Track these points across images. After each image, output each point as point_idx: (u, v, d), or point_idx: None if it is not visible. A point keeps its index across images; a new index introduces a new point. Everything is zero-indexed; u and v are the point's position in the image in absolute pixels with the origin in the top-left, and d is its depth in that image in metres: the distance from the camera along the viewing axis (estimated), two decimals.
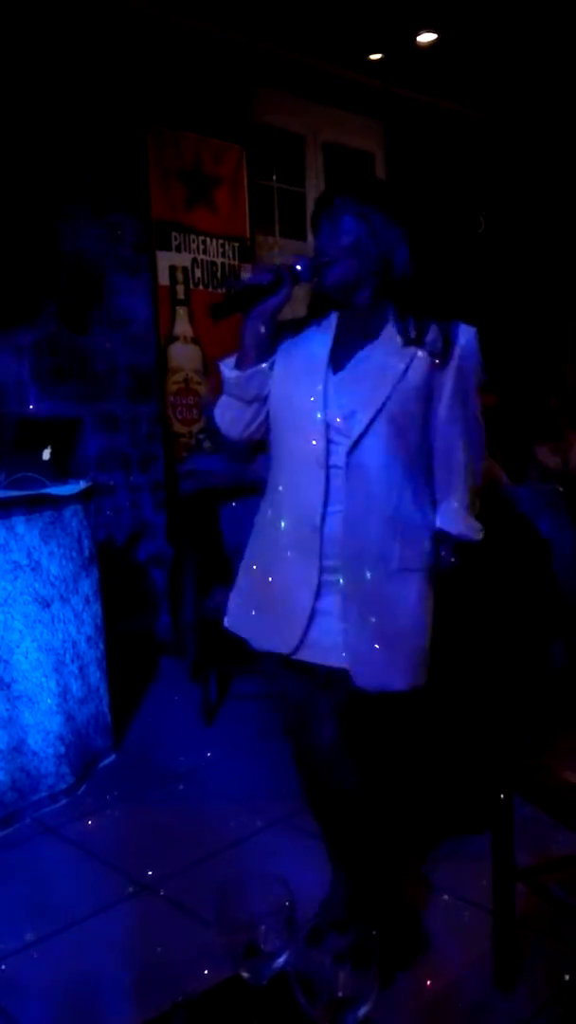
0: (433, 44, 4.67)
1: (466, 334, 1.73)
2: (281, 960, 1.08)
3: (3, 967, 1.92)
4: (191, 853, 2.35)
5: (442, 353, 1.67)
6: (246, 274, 1.48)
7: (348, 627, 1.66)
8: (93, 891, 2.21)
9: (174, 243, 4.34)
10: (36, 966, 1.93)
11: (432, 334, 1.68)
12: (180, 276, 4.37)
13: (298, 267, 1.66)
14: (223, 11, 4.21)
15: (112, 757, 3.00)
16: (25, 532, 2.61)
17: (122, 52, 4.05)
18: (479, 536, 1.75)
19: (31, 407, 3.81)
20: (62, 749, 2.71)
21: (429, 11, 4.37)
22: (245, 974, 1.09)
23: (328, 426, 1.65)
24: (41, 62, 3.77)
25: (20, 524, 2.60)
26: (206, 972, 1.64)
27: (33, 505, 2.65)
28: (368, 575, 1.65)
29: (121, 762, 2.99)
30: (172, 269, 4.35)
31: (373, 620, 1.66)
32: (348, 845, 1.85)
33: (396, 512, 1.66)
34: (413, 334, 1.67)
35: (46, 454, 2.94)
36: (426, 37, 4.62)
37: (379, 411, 1.63)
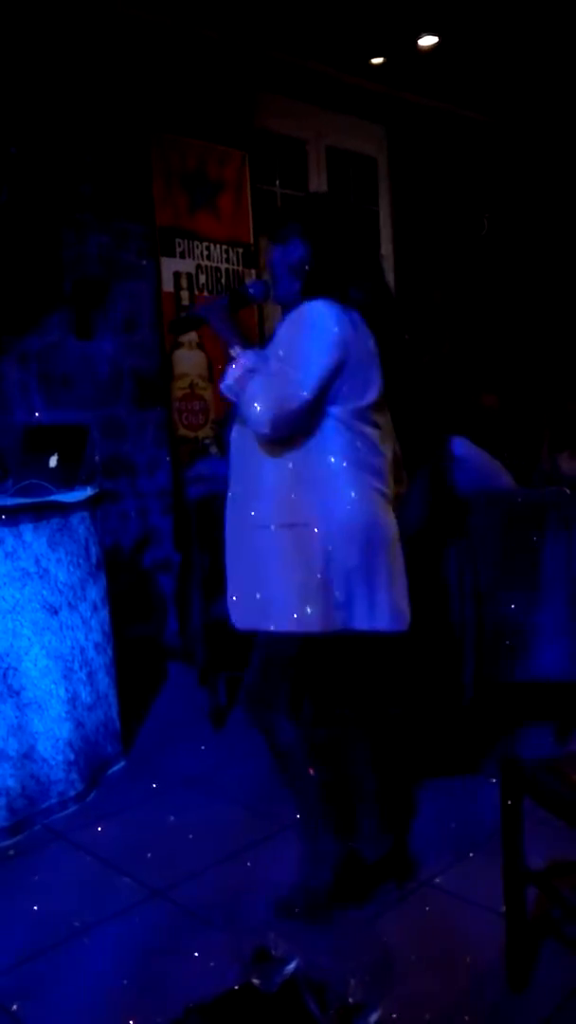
0: (434, 47, 4.68)
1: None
2: (291, 966, 1.08)
3: (15, 973, 1.93)
4: (201, 859, 2.35)
5: None
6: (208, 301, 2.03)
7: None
8: (104, 897, 2.21)
9: (178, 249, 4.35)
10: (47, 972, 1.93)
11: None
12: (184, 282, 4.38)
13: (251, 291, 2.04)
14: (225, 17, 4.23)
15: (121, 763, 3.00)
16: (33, 539, 2.62)
17: (125, 60, 4.07)
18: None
19: (37, 414, 3.82)
20: (71, 756, 2.71)
21: (430, 14, 4.38)
22: (256, 980, 1.10)
23: None
24: (44, 70, 3.79)
25: (28, 531, 2.60)
26: (217, 978, 1.64)
27: (41, 512, 2.66)
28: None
29: (130, 768, 3.00)
30: (176, 275, 4.36)
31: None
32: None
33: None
34: None
35: (53, 461, 2.95)
36: (427, 40, 4.63)
37: None
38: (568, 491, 2.92)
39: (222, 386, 1.92)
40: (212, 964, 1.79)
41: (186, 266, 4.37)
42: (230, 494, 2.00)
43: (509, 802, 1.76)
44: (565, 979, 1.81)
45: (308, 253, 1.93)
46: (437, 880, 2.20)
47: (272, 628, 1.92)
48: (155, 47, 4.17)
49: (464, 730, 2.86)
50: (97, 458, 4.07)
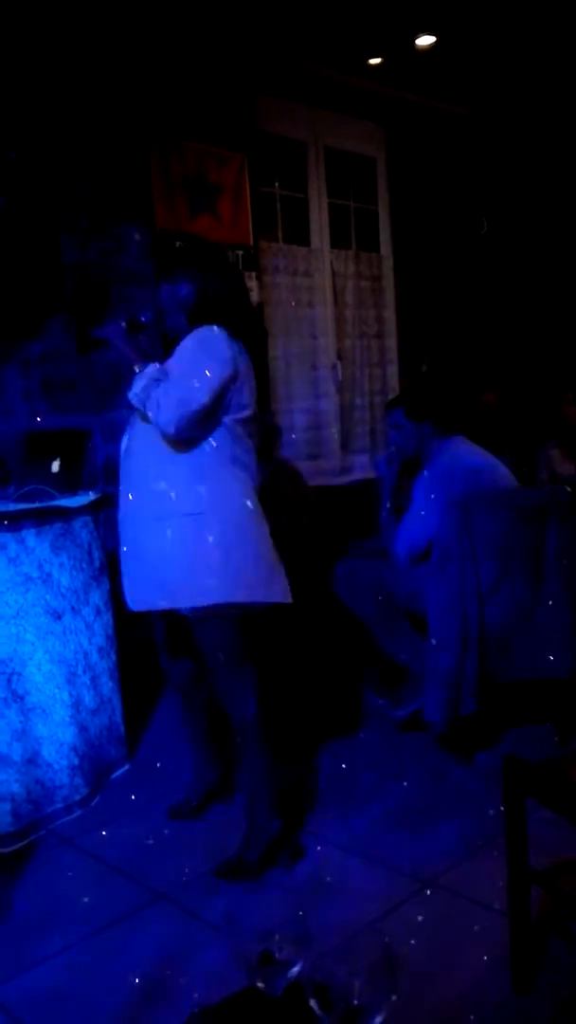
0: (432, 47, 4.68)
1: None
2: (296, 969, 1.09)
3: (21, 979, 1.93)
4: (206, 863, 2.35)
5: None
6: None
7: None
8: (108, 901, 2.22)
9: None
10: (52, 977, 1.93)
11: None
12: None
13: (143, 320, 2.38)
14: (222, 20, 4.24)
15: (125, 767, 3.01)
16: (36, 544, 2.63)
17: (123, 63, 4.08)
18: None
19: (39, 419, 3.83)
20: (76, 760, 2.72)
21: (427, 14, 4.38)
22: (260, 984, 1.10)
23: None
24: (42, 74, 3.80)
25: (31, 536, 2.61)
26: (222, 982, 1.64)
27: (43, 517, 2.67)
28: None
29: (134, 772, 3.00)
30: None
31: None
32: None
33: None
34: None
35: (55, 466, 2.96)
36: (425, 40, 4.63)
37: None
38: (568, 489, 2.92)
39: (129, 394, 2.24)
40: (217, 968, 1.79)
41: None
42: (129, 492, 2.30)
43: (512, 801, 1.77)
44: (570, 980, 1.81)
45: (193, 291, 2.30)
46: (441, 880, 2.21)
47: (196, 603, 2.21)
48: (153, 51, 4.18)
49: (466, 730, 2.87)
50: (99, 462, 4.08)
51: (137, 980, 1.88)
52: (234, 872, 2.28)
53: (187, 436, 2.20)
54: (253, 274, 4.65)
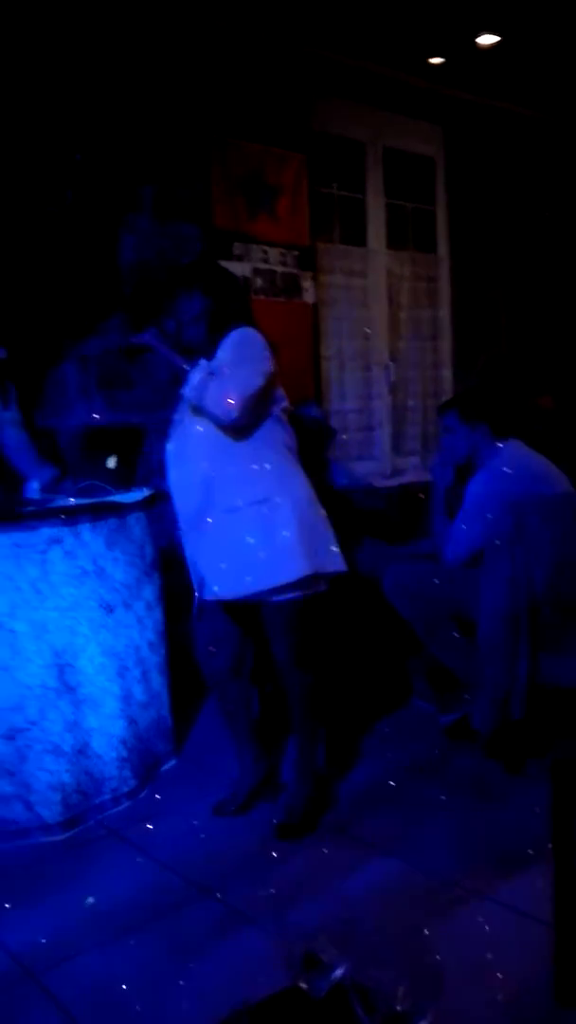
0: (494, 46, 4.63)
1: None
2: (340, 972, 1.09)
3: (65, 968, 1.97)
4: (252, 860, 2.37)
5: None
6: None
7: None
8: (154, 895, 2.25)
9: (235, 252, 4.39)
10: (98, 968, 1.96)
11: None
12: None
13: (168, 328, 2.51)
14: (282, 20, 4.25)
15: (173, 762, 3.04)
16: (91, 539, 2.68)
17: (183, 64, 4.12)
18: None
19: (96, 416, 3.89)
20: (124, 753, 2.76)
21: (490, 13, 4.33)
22: (303, 984, 1.11)
23: None
24: (105, 76, 3.86)
25: (86, 531, 2.66)
26: (264, 980, 1.65)
27: (98, 513, 2.72)
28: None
29: (181, 767, 3.04)
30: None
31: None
32: None
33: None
34: None
35: (111, 462, 3.01)
36: (487, 39, 4.58)
37: None
38: None
39: (185, 389, 2.36)
40: (260, 966, 1.80)
41: (243, 269, 4.40)
42: (191, 490, 2.43)
43: (560, 806, 1.74)
44: None
45: (210, 303, 2.45)
46: (484, 889, 2.19)
47: (279, 581, 2.37)
48: (214, 51, 4.21)
49: (515, 737, 2.84)
50: (154, 459, 4.13)
51: (179, 975, 1.90)
52: (295, 831, 2.47)
53: (244, 423, 2.37)
54: (309, 274, 4.66)
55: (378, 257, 5.16)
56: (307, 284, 4.64)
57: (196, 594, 2.56)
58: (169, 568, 3.08)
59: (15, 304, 3.55)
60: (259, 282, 4.46)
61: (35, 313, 3.67)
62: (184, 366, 2.40)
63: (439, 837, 2.46)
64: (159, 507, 2.89)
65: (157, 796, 2.82)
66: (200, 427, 2.41)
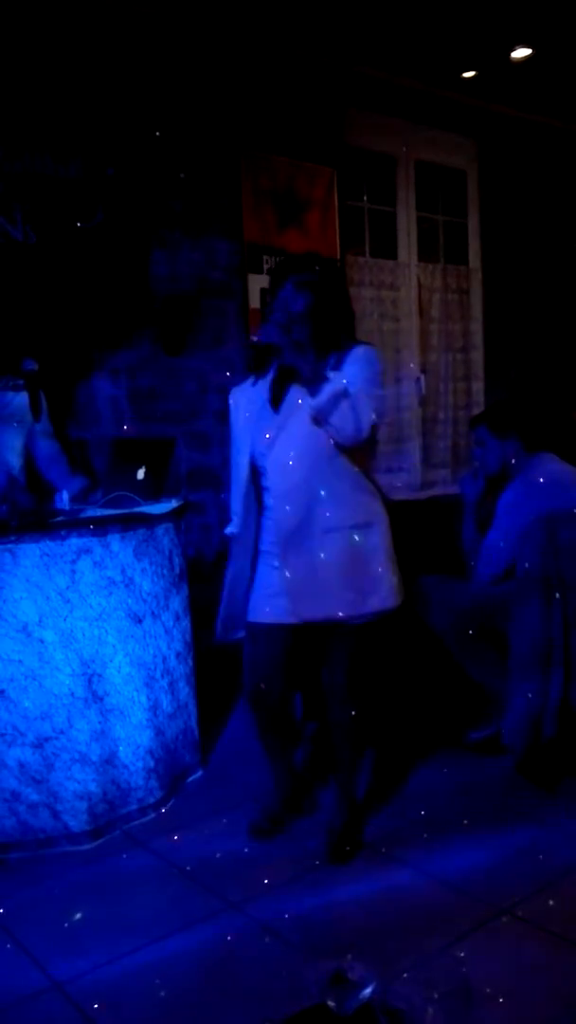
0: (528, 59, 4.62)
1: None
2: (368, 991, 1.07)
3: (91, 976, 1.96)
4: (278, 874, 2.34)
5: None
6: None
7: None
8: (179, 907, 2.23)
9: (265, 266, 4.41)
10: (122, 979, 1.95)
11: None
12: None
13: (255, 339, 2.41)
14: (313, 34, 4.27)
15: (199, 773, 3.03)
16: (120, 549, 2.68)
17: (215, 79, 4.16)
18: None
19: (126, 427, 3.92)
20: (151, 763, 2.75)
21: (523, 26, 4.33)
22: (330, 1003, 1.09)
23: None
24: (137, 90, 3.91)
25: (115, 541, 2.67)
26: (291, 997, 1.63)
27: (127, 523, 2.72)
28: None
29: (208, 778, 3.02)
30: (263, 292, 4.40)
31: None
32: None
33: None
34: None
35: (141, 473, 3.02)
36: (521, 52, 4.57)
37: None
38: None
39: (317, 401, 2.21)
40: (287, 982, 1.77)
41: None
42: (288, 508, 2.31)
43: None
44: None
45: (314, 301, 2.32)
46: (518, 909, 2.14)
47: (369, 610, 2.33)
48: (245, 66, 4.25)
49: (548, 755, 2.79)
50: (183, 470, 4.15)
51: (204, 989, 1.88)
52: (347, 855, 2.41)
53: (365, 445, 2.32)
54: None
55: (409, 270, 5.16)
56: None
57: (257, 617, 2.43)
58: (197, 579, 3.09)
59: (46, 316, 3.59)
60: None
61: (66, 325, 3.71)
62: (324, 373, 2.24)
63: (465, 853, 2.41)
64: (187, 518, 2.89)
65: (184, 808, 2.80)
66: (311, 439, 2.28)
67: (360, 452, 2.33)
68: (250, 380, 2.47)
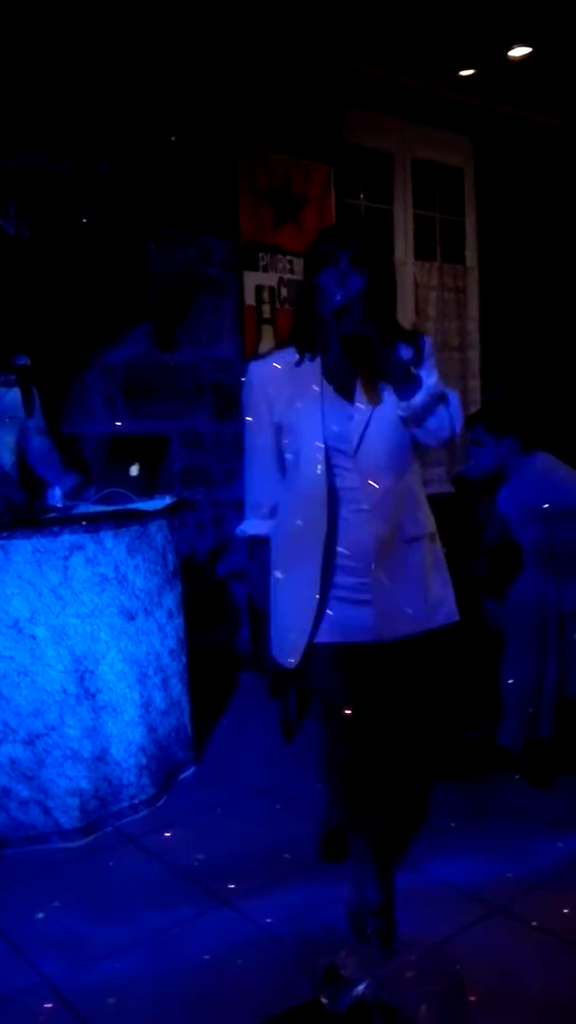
0: (526, 58, 4.61)
1: None
2: (361, 987, 1.06)
3: (82, 975, 1.95)
4: (271, 870, 2.34)
5: None
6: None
7: None
8: (172, 903, 2.22)
9: (261, 263, 4.39)
10: (114, 976, 1.94)
11: None
12: (266, 295, 4.42)
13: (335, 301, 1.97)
14: (311, 31, 4.26)
15: (192, 770, 3.02)
16: (113, 546, 2.67)
17: (211, 75, 4.14)
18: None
19: (120, 424, 3.91)
20: (143, 760, 2.74)
21: (522, 25, 4.32)
22: (323, 999, 1.08)
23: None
24: (132, 86, 3.89)
25: (108, 538, 2.66)
26: (284, 994, 1.62)
27: (121, 520, 2.71)
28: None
29: (201, 775, 3.01)
30: (259, 288, 4.40)
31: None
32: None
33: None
34: None
35: (134, 470, 3.01)
36: (519, 51, 4.57)
37: None
38: None
39: (412, 404, 1.95)
40: (279, 979, 1.76)
41: (269, 279, 4.41)
42: (384, 515, 2.03)
43: None
44: None
45: (370, 280, 1.96)
46: (514, 907, 2.13)
47: (436, 624, 2.13)
48: (242, 63, 4.23)
49: (544, 753, 2.78)
50: (176, 468, 4.14)
51: (197, 986, 1.87)
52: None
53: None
54: None
55: (405, 268, 5.15)
56: None
57: (340, 636, 2.07)
58: (190, 576, 3.08)
59: (40, 312, 3.57)
60: (284, 292, 4.46)
61: (60, 321, 3.69)
62: (417, 372, 1.98)
63: (461, 851, 2.41)
64: (180, 515, 2.87)
65: (176, 804, 2.79)
66: (398, 438, 2.03)
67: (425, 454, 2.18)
68: (276, 356, 2.13)
